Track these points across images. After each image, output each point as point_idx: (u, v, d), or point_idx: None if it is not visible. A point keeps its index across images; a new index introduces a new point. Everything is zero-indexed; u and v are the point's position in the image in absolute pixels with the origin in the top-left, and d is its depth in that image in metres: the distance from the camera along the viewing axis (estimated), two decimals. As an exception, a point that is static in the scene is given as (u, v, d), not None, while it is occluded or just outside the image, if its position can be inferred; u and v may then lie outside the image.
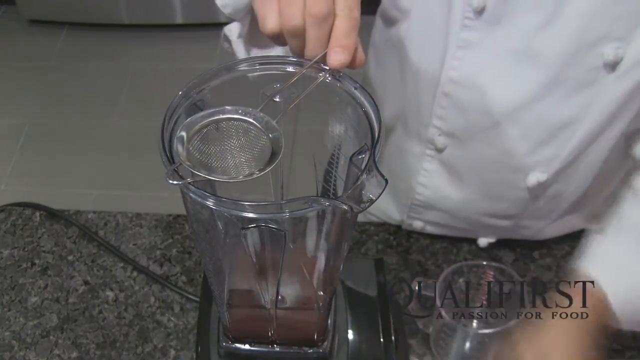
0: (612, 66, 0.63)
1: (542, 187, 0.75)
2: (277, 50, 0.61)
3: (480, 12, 0.64)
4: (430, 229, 0.89)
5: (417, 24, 0.72)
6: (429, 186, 0.82)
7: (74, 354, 0.77)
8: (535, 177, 0.73)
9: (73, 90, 2.40)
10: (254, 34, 0.67)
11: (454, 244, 0.87)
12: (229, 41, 0.67)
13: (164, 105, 0.52)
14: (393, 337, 0.74)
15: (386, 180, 0.49)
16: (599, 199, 0.81)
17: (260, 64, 0.55)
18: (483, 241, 0.87)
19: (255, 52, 0.68)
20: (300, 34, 0.52)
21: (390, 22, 0.76)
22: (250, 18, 0.66)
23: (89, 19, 2.59)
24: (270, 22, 0.52)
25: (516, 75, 0.67)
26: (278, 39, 0.53)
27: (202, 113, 0.51)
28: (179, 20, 2.53)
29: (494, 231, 0.86)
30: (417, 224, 0.88)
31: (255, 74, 0.55)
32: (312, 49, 0.51)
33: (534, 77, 0.66)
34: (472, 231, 0.87)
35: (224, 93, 0.55)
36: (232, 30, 0.66)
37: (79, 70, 2.47)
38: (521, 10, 0.63)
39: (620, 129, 0.69)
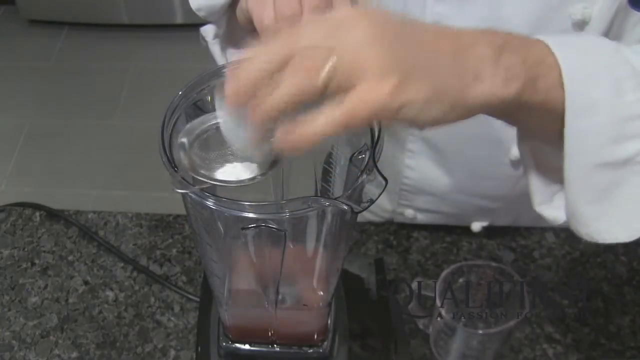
0: (581, 26, 0.64)
1: None
2: None
3: None
4: (421, 218, 0.89)
5: (395, 3, 0.72)
6: (415, 168, 0.83)
7: (74, 354, 0.77)
8: (517, 150, 0.74)
9: (73, 90, 2.40)
10: (230, 35, 0.69)
11: (454, 244, 0.87)
12: (206, 42, 0.69)
13: (164, 105, 0.52)
14: (393, 337, 0.74)
15: (386, 180, 0.49)
16: None
17: None
18: (476, 226, 0.87)
19: (231, 52, 0.70)
20: (297, 21, 0.52)
21: None
22: (227, 19, 0.68)
23: (89, 19, 2.59)
24: (267, 15, 0.54)
25: None
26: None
27: (201, 118, 0.52)
28: (179, 20, 2.53)
29: (485, 214, 0.86)
30: (409, 213, 0.89)
31: None
32: None
33: None
34: (464, 216, 0.87)
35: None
36: (208, 31, 0.69)
37: (79, 70, 2.47)
38: None
39: None
